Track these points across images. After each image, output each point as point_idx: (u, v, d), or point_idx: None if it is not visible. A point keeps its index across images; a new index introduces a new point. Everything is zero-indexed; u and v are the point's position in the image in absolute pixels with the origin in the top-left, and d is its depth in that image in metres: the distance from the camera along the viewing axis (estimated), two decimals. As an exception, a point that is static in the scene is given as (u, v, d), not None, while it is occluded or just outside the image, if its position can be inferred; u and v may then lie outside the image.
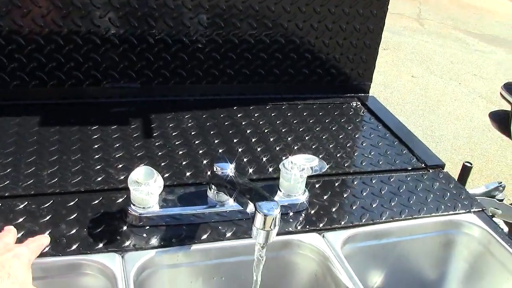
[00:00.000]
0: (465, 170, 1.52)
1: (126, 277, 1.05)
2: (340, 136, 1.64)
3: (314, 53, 1.80)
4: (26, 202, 1.22)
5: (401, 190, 1.41)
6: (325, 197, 1.35)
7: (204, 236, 1.18)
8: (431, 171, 1.52)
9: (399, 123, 1.77)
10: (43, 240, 1.09)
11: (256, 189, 1.02)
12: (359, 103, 1.88)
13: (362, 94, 1.93)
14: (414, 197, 1.39)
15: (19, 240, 1.10)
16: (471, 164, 1.56)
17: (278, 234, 1.02)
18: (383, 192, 1.39)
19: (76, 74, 1.63)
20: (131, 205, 1.18)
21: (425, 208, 1.35)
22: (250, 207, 0.99)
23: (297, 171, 1.24)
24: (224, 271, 1.21)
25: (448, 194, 1.41)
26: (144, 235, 1.16)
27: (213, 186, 1.21)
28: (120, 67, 1.66)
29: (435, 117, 5.02)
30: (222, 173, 1.16)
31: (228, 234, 1.19)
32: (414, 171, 1.50)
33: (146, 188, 1.13)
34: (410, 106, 5.16)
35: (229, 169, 1.16)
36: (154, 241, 1.15)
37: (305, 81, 1.85)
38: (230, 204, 1.22)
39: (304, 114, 1.75)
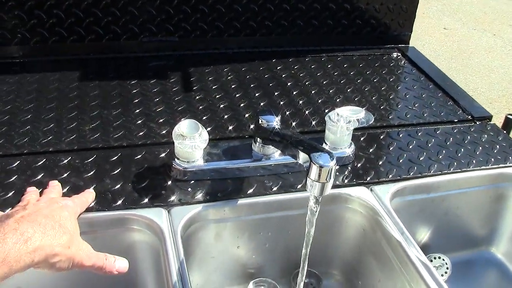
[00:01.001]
0: (508, 123, 1.47)
1: (173, 231, 1.04)
2: (383, 88, 1.60)
3: (353, 3, 1.75)
4: (70, 157, 1.21)
5: (448, 143, 1.37)
6: (371, 150, 1.32)
7: (250, 190, 1.16)
8: (478, 123, 1.47)
9: (442, 74, 1.72)
10: (88, 197, 1.09)
11: (308, 141, 0.99)
12: (400, 54, 1.83)
13: (403, 45, 1.88)
14: (462, 149, 1.35)
15: (65, 195, 1.10)
16: (514, 116, 1.50)
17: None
18: (429, 145, 1.36)
19: (113, 28, 1.60)
20: (175, 159, 1.17)
21: (474, 161, 1.31)
22: (302, 158, 0.97)
23: (343, 123, 1.20)
24: (270, 225, 1.19)
25: (497, 146, 1.37)
26: (189, 189, 1.15)
27: (258, 139, 1.19)
28: (157, 20, 1.63)
29: (469, 70, 4.92)
30: (267, 125, 1.13)
31: (274, 188, 1.17)
32: (461, 123, 1.46)
33: (191, 142, 1.11)
34: (442, 59, 5.06)
35: (275, 121, 1.14)
36: (199, 195, 1.13)
37: (345, 32, 1.80)
38: (276, 157, 1.20)
39: (344, 66, 1.71)
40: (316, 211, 0.97)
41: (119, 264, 0.97)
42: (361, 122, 1.21)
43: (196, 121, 1.13)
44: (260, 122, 1.14)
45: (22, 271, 0.81)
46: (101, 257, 0.95)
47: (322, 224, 1.17)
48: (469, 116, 1.49)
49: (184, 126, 1.12)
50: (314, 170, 0.90)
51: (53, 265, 0.87)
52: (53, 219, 0.90)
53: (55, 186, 1.10)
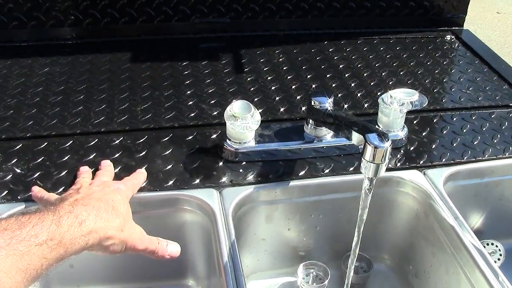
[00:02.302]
0: None
1: (224, 212, 1.04)
2: (436, 71, 1.57)
3: (407, -16, 1.72)
4: (122, 137, 1.22)
5: (503, 127, 1.34)
6: (423, 133, 1.30)
7: (302, 173, 1.15)
8: (534, 107, 1.44)
9: (497, 58, 1.67)
10: (139, 178, 1.09)
11: (362, 122, 0.98)
12: (454, 37, 1.79)
13: (456, 28, 1.84)
14: (518, 134, 1.32)
15: (117, 175, 1.11)
16: None
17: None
18: (484, 129, 1.32)
19: (165, 9, 1.61)
20: (227, 140, 1.16)
21: (530, 146, 1.28)
22: (356, 139, 0.96)
23: (396, 105, 1.18)
24: (321, 208, 1.18)
25: (554, 131, 1.33)
26: (241, 170, 1.15)
27: (310, 121, 1.18)
28: (209, 1, 1.62)
29: (522, 55, 4.80)
30: (320, 107, 1.12)
31: (326, 171, 1.16)
32: (517, 107, 1.43)
33: (243, 123, 1.11)
34: (495, 44, 4.94)
35: (327, 103, 1.12)
36: (250, 177, 1.13)
37: (397, 14, 1.77)
38: (328, 139, 1.19)
39: (397, 48, 1.69)
40: (370, 193, 0.96)
41: (171, 249, 0.97)
42: (415, 104, 1.18)
43: (247, 101, 1.13)
44: (312, 103, 1.13)
45: (77, 254, 0.81)
46: (154, 241, 0.96)
47: (374, 207, 1.15)
48: (525, 100, 1.45)
49: (237, 106, 1.12)
50: (369, 151, 0.89)
51: (106, 248, 0.87)
52: (106, 202, 0.91)
53: (107, 167, 1.11)
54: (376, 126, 1.22)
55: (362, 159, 0.90)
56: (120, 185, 1.01)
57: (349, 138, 1.01)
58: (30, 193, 1.04)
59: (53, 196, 1.01)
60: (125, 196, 0.98)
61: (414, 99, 1.18)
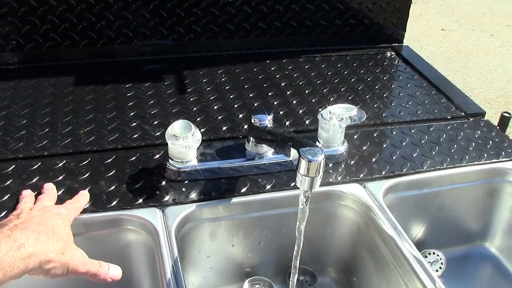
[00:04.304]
0: (504, 121, 1.47)
1: (167, 231, 1.05)
2: (376, 87, 1.61)
3: (346, 3, 1.76)
4: (65, 160, 1.22)
5: (441, 139, 1.38)
6: (364, 147, 1.33)
7: (244, 189, 1.17)
8: (471, 119, 1.48)
9: (436, 72, 1.72)
10: (81, 201, 1.09)
11: (298, 137, 1.00)
12: (394, 53, 1.84)
13: (396, 44, 1.89)
14: (455, 146, 1.35)
15: (60, 198, 1.11)
16: (510, 114, 1.50)
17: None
18: (423, 142, 1.36)
19: (107, 32, 1.61)
20: (169, 160, 1.17)
21: (467, 157, 1.32)
22: (293, 155, 0.98)
23: (336, 121, 1.21)
24: (264, 224, 1.20)
25: (490, 142, 1.38)
26: (183, 189, 1.16)
27: (251, 139, 1.20)
28: (151, 24, 1.64)
29: (467, 71, 4.92)
30: (260, 124, 1.14)
31: (268, 187, 1.18)
32: (454, 120, 1.47)
33: (184, 142, 1.12)
34: (440, 60, 5.06)
35: (267, 120, 1.14)
36: (193, 195, 1.14)
37: (338, 32, 1.81)
38: (269, 156, 1.21)
39: (338, 65, 1.72)
40: (307, 206, 0.98)
41: (113, 272, 0.98)
42: (354, 119, 1.21)
43: (188, 121, 1.14)
44: (252, 121, 1.15)
45: (17, 278, 0.81)
46: (95, 264, 0.96)
47: (316, 221, 1.18)
48: (463, 113, 1.50)
49: (177, 126, 1.13)
50: (303, 164, 0.91)
51: (47, 272, 0.87)
52: (47, 226, 0.90)
53: (49, 191, 1.11)
54: (317, 142, 1.25)
55: (297, 173, 0.93)
56: (61, 209, 1.01)
57: (287, 154, 1.03)
58: None
59: None
60: (66, 219, 0.98)
61: (353, 114, 1.21)
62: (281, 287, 1.28)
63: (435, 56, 5.11)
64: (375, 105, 1.51)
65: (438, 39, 5.57)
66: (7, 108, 1.40)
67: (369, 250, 1.20)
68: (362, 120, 1.22)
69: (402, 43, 1.89)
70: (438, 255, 1.33)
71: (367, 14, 1.80)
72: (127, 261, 1.13)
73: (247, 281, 1.25)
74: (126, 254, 1.12)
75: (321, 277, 1.30)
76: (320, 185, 1.04)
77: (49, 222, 0.92)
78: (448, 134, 1.40)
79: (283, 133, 1.06)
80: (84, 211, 1.08)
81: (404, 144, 1.35)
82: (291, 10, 1.73)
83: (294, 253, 1.04)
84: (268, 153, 1.21)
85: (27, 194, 1.10)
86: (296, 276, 1.08)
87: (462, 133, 1.41)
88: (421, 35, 5.53)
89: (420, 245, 1.32)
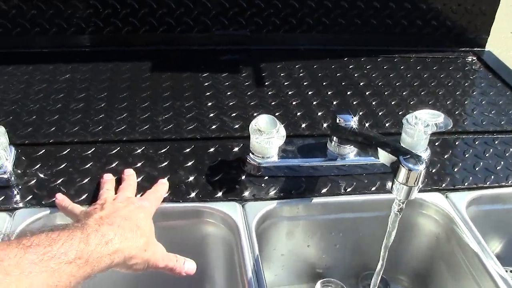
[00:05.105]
0: None
1: (248, 227, 1.03)
2: (457, 93, 1.56)
3: (429, 3, 1.71)
4: (144, 147, 1.22)
5: (527, 153, 1.33)
6: (445, 156, 1.29)
7: (324, 190, 1.14)
8: (561, 133, 1.42)
9: (520, 81, 1.66)
10: (162, 190, 1.09)
11: (394, 143, 0.97)
12: (475, 58, 1.78)
13: (478, 49, 1.83)
14: (542, 160, 1.30)
15: (139, 185, 1.10)
16: None
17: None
18: (507, 154, 1.31)
19: (185, 20, 1.60)
20: (250, 154, 1.15)
21: (554, 172, 1.26)
22: (387, 160, 0.94)
23: (421, 126, 1.17)
24: (342, 226, 1.18)
25: None
26: (263, 185, 1.14)
27: (334, 138, 1.17)
28: (229, 14, 1.62)
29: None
30: (345, 125, 1.11)
31: (348, 189, 1.15)
32: (541, 133, 1.41)
33: (268, 138, 1.10)
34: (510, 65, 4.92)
35: (352, 121, 1.11)
36: (273, 192, 1.12)
37: (418, 33, 1.76)
38: (351, 158, 1.18)
39: (418, 68, 1.68)
40: (399, 215, 0.95)
41: (188, 266, 0.97)
42: (439, 126, 1.17)
43: (273, 117, 1.12)
44: (337, 121, 1.12)
45: (102, 272, 0.81)
46: (172, 258, 0.96)
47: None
48: (550, 126, 1.44)
49: (262, 121, 1.11)
50: (403, 173, 0.88)
51: (130, 267, 0.88)
52: (131, 220, 0.90)
53: (130, 178, 1.11)
54: (400, 146, 1.22)
55: (395, 180, 0.90)
56: (144, 201, 1.01)
57: (375, 157, 1.00)
58: (54, 200, 1.04)
59: (77, 207, 1.01)
60: (148, 213, 0.98)
61: (439, 121, 1.17)
62: (353, 291, 1.25)
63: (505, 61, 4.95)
64: (456, 112, 1.46)
65: (508, 42, 5.42)
66: (86, 91, 1.41)
67: (448, 263, 1.16)
68: (448, 128, 1.18)
69: (484, 47, 1.83)
70: (517, 273, 1.29)
71: (450, 15, 1.74)
72: (203, 253, 1.12)
73: (319, 282, 1.23)
74: (203, 246, 1.11)
75: (394, 284, 1.27)
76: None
77: (133, 216, 0.92)
78: (534, 148, 1.35)
79: (375, 137, 1.02)
80: (164, 200, 1.07)
81: (487, 155, 1.30)
82: (372, 8, 1.69)
83: (380, 260, 1.01)
84: (350, 155, 1.18)
85: (108, 179, 1.10)
86: (377, 284, 1.05)
87: (548, 147, 1.35)
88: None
89: (499, 261, 1.27)
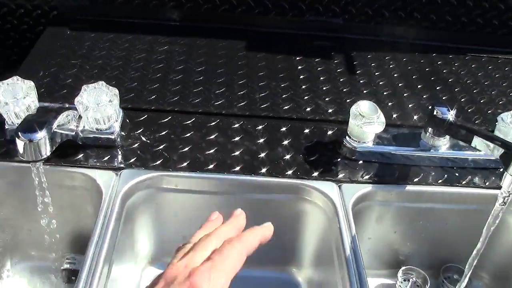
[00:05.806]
0: None
1: (345, 206, 1.07)
2: (548, 97, 1.56)
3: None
4: (242, 122, 1.27)
5: None
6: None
7: (416, 179, 1.17)
8: None
9: None
10: (259, 235, 0.74)
11: (499, 137, 0.99)
12: None
13: None
14: None
15: (237, 158, 1.14)
16: None
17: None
18: None
19: (282, 4, 1.64)
20: (347, 137, 1.19)
21: None
22: (496, 153, 0.96)
23: (517, 126, 1.19)
24: (431, 216, 1.20)
25: None
26: (357, 168, 1.17)
27: (429, 130, 1.19)
28: (325, 1, 1.65)
29: None
30: (442, 117, 1.14)
31: (440, 181, 1.17)
32: None
33: (367, 123, 1.13)
34: None
35: (449, 114, 1.14)
36: (367, 176, 1.15)
37: (510, 33, 1.76)
38: (443, 150, 1.20)
39: (506, 69, 1.68)
40: (504, 207, 0.97)
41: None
42: (536, 127, 1.19)
43: (374, 103, 1.15)
44: (435, 112, 1.15)
45: None
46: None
47: (477, 224, 1.16)
48: None
49: (364, 106, 1.14)
50: (516, 165, 0.90)
51: None
52: None
53: (236, 226, 0.76)
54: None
55: (508, 174, 0.92)
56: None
57: (480, 149, 1.02)
58: (157, 163, 1.12)
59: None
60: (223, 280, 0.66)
61: (535, 122, 1.18)
62: (433, 281, 1.27)
63: None
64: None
65: None
66: (184, 63, 1.46)
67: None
68: (544, 129, 1.19)
69: None
70: None
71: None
72: (296, 228, 1.17)
73: (401, 269, 1.25)
74: (297, 222, 1.16)
75: (475, 280, 1.29)
76: (490, 188, 1.06)
77: None
78: None
79: (479, 131, 1.04)
80: (263, 174, 1.12)
81: None
82: (464, 6, 1.69)
83: (475, 252, 1.04)
84: (442, 147, 1.21)
85: (214, 218, 0.78)
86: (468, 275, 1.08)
87: None
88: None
89: None
